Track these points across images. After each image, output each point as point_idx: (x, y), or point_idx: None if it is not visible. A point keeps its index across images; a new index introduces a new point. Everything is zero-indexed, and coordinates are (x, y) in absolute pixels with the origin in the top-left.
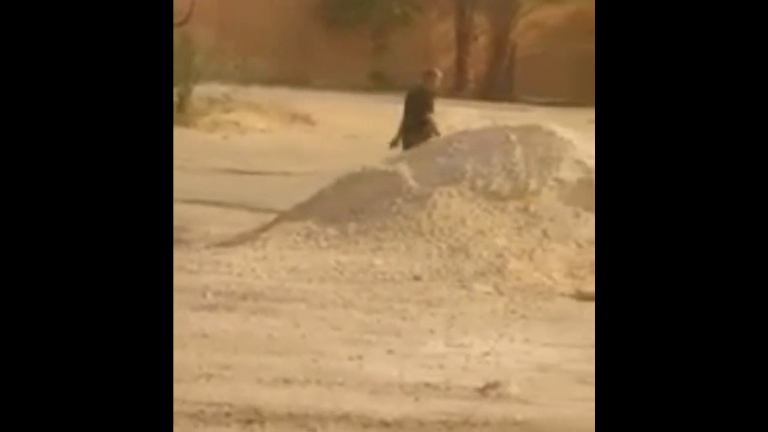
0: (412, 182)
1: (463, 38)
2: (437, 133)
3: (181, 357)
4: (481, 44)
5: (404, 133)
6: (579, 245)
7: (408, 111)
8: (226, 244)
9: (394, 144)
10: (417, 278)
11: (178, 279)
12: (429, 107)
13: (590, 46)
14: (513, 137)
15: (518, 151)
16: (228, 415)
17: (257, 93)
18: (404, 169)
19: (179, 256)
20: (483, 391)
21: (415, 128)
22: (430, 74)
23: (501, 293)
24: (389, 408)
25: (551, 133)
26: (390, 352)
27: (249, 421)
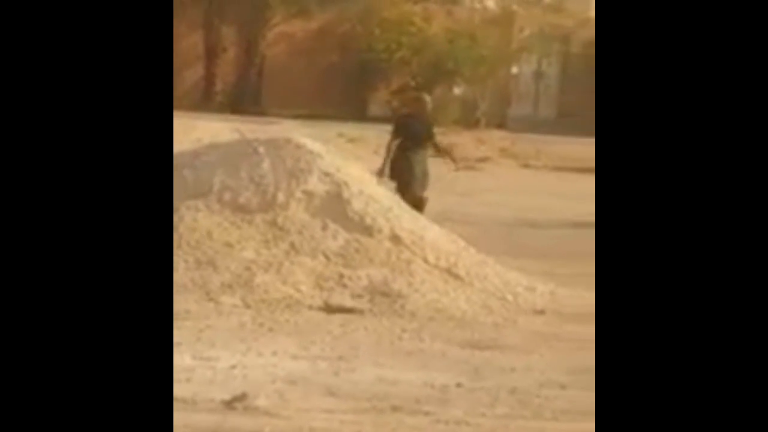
0: None
1: (211, 50)
2: (455, 161)
3: None
4: (229, 56)
5: (392, 162)
6: (327, 258)
7: (400, 139)
8: None
9: (380, 173)
10: None
11: None
12: (431, 134)
13: (336, 58)
14: (261, 150)
15: (266, 164)
16: None
17: None
18: None
19: None
20: (230, 404)
21: (415, 157)
22: (419, 100)
23: (248, 306)
24: None
25: (300, 146)
26: None
27: None
